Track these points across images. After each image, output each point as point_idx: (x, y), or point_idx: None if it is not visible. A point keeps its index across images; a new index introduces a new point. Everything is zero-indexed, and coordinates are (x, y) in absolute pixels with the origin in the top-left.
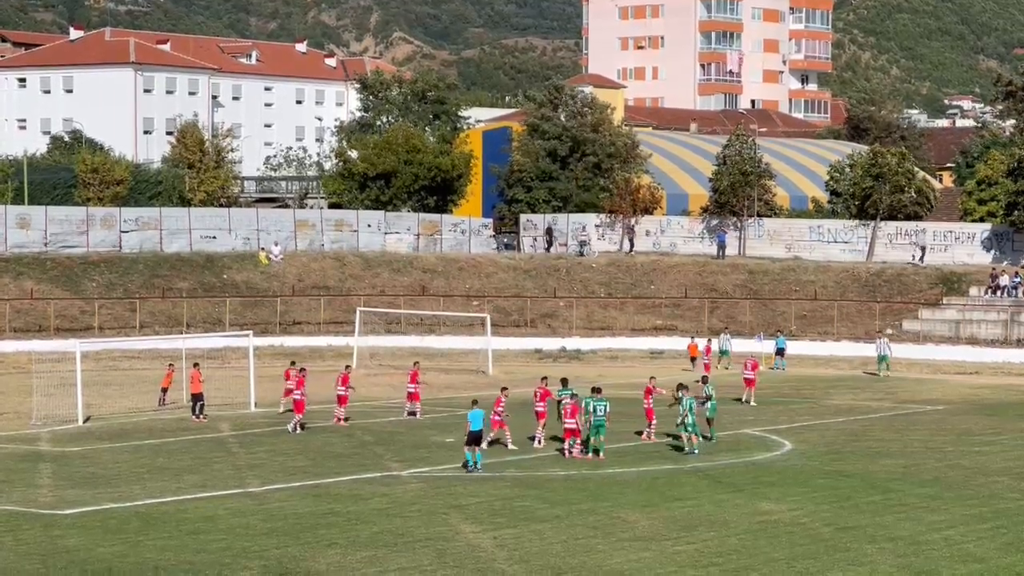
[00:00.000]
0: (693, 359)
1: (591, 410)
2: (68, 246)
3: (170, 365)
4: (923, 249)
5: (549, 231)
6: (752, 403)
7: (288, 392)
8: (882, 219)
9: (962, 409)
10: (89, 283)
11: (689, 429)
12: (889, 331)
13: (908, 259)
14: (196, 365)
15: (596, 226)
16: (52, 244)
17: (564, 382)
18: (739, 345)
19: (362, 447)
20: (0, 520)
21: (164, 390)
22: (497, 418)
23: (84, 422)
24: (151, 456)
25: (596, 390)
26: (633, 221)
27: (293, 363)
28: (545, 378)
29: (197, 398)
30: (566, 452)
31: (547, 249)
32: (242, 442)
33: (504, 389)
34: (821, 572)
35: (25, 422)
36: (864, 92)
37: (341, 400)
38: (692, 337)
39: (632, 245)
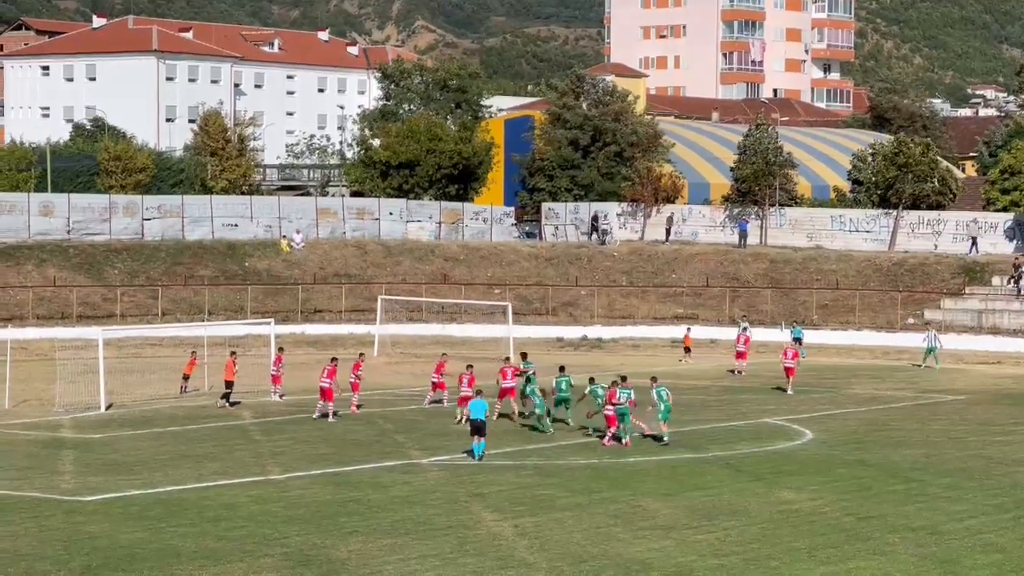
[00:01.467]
0: (687, 349)
1: (555, 387)
2: (91, 233)
3: (192, 352)
4: (974, 240)
5: (595, 219)
6: (789, 392)
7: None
8: (904, 208)
9: (984, 399)
10: (111, 270)
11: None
12: (911, 321)
13: (931, 248)
14: (233, 354)
15: (618, 215)
16: (75, 231)
17: (524, 356)
18: (763, 335)
19: (383, 435)
20: (23, 506)
21: (186, 377)
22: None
23: (106, 409)
24: (173, 443)
25: (623, 378)
26: (672, 212)
27: (281, 348)
28: (507, 358)
29: (230, 386)
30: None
31: (589, 236)
32: (264, 430)
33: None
34: (842, 561)
35: (48, 409)
36: (887, 81)
37: (325, 393)
38: (688, 329)
39: (669, 235)
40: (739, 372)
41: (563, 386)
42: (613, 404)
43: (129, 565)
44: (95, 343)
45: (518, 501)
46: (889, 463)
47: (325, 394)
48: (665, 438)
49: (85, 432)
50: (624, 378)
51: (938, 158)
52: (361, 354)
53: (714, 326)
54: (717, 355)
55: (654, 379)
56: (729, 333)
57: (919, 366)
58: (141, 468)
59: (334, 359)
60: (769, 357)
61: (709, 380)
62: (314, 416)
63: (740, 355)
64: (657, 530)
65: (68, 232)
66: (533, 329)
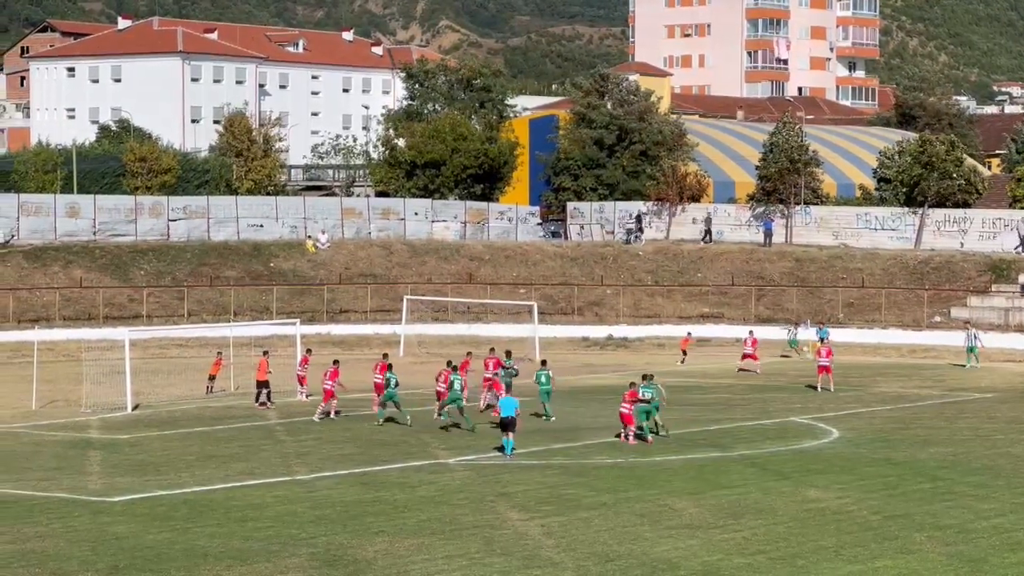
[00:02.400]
0: (684, 352)
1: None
2: (117, 234)
3: (218, 353)
4: (1023, 238)
5: (639, 219)
6: (830, 389)
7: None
8: (930, 206)
9: (1011, 397)
10: (137, 271)
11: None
12: (937, 319)
13: (957, 246)
14: (266, 353)
15: (643, 214)
16: (101, 232)
17: (508, 354)
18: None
19: (409, 435)
20: (51, 507)
21: (212, 378)
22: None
23: (133, 410)
24: (199, 444)
25: (647, 376)
26: (709, 211)
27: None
28: (492, 348)
29: (262, 385)
30: (623, 437)
31: (631, 237)
32: (289, 430)
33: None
34: (869, 560)
35: (75, 410)
36: (913, 79)
37: (326, 394)
38: (688, 333)
39: (710, 235)
40: (756, 371)
41: (543, 379)
42: (630, 402)
43: (156, 565)
44: (121, 344)
45: (544, 500)
46: (916, 461)
47: (326, 395)
48: (660, 432)
49: (112, 433)
50: (648, 376)
51: (963, 156)
52: (336, 361)
53: (739, 325)
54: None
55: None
56: (755, 332)
57: (962, 366)
58: (168, 469)
59: (335, 361)
60: (794, 356)
61: (735, 379)
62: (315, 418)
63: (750, 356)
64: (683, 529)
65: (94, 233)
66: (559, 329)
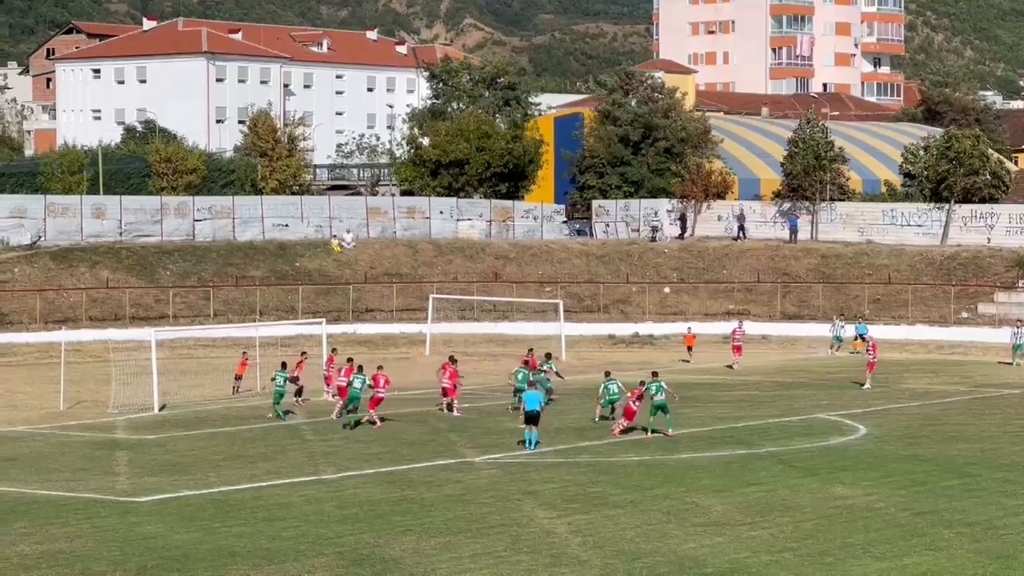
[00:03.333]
0: (689, 348)
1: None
2: (143, 235)
3: (244, 353)
4: None
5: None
6: (867, 386)
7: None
8: (956, 202)
9: None
10: (163, 272)
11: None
12: (964, 315)
13: (983, 241)
14: (304, 354)
15: (668, 211)
16: (127, 233)
17: (548, 356)
18: (816, 330)
19: (436, 434)
20: (79, 507)
21: (238, 378)
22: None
23: (160, 410)
24: (226, 444)
25: (654, 374)
26: (742, 208)
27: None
28: (531, 349)
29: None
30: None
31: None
32: (316, 429)
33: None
34: (898, 557)
35: (102, 410)
36: (938, 74)
37: (341, 391)
38: (689, 328)
39: (743, 232)
40: (732, 366)
41: (519, 377)
42: (638, 399)
43: (184, 565)
44: (148, 344)
45: (571, 498)
46: (944, 458)
47: (342, 392)
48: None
49: (139, 433)
50: (655, 373)
51: (990, 151)
52: (349, 359)
53: (765, 322)
54: (768, 351)
55: (655, 373)
56: (780, 329)
57: (1009, 364)
58: (195, 469)
59: (350, 359)
60: (820, 353)
61: (760, 376)
62: (334, 416)
63: (868, 365)
64: (710, 526)
65: (120, 234)
66: (585, 327)
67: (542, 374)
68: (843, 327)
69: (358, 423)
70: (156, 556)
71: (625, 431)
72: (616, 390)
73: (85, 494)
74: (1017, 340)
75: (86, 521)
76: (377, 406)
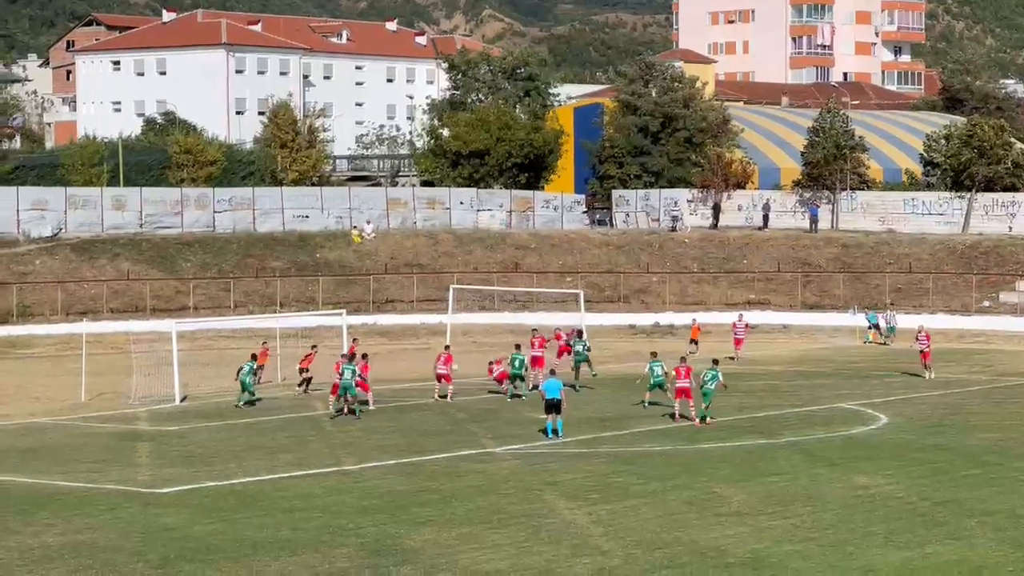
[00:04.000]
0: (694, 341)
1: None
2: (163, 227)
3: (264, 343)
4: None
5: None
6: (931, 376)
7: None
8: (978, 191)
9: None
10: (184, 263)
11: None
12: (986, 304)
13: (1005, 230)
14: (314, 347)
15: (688, 201)
16: (147, 225)
17: (580, 334)
18: (835, 320)
19: (456, 424)
20: (100, 498)
21: (260, 368)
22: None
23: (181, 401)
24: (246, 435)
25: (715, 361)
26: (768, 198)
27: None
28: (535, 330)
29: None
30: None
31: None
32: (336, 421)
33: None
34: (919, 546)
35: (124, 402)
36: (959, 63)
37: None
38: (694, 320)
39: (767, 222)
40: (734, 358)
41: (516, 364)
42: (688, 377)
43: (205, 556)
44: (169, 336)
45: (592, 489)
46: (965, 447)
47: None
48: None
49: (160, 424)
50: (716, 361)
51: (1012, 140)
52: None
53: (786, 311)
54: (789, 341)
55: (715, 361)
56: (801, 318)
57: None
58: (216, 460)
59: (364, 355)
60: (841, 342)
61: (783, 365)
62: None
63: (924, 355)
64: (732, 516)
65: (140, 226)
66: (605, 316)
67: (581, 347)
68: (894, 316)
69: (340, 411)
70: (178, 547)
71: (683, 416)
72: (660, 372)
73: (107, 485)
74: None
75: (108, 512)
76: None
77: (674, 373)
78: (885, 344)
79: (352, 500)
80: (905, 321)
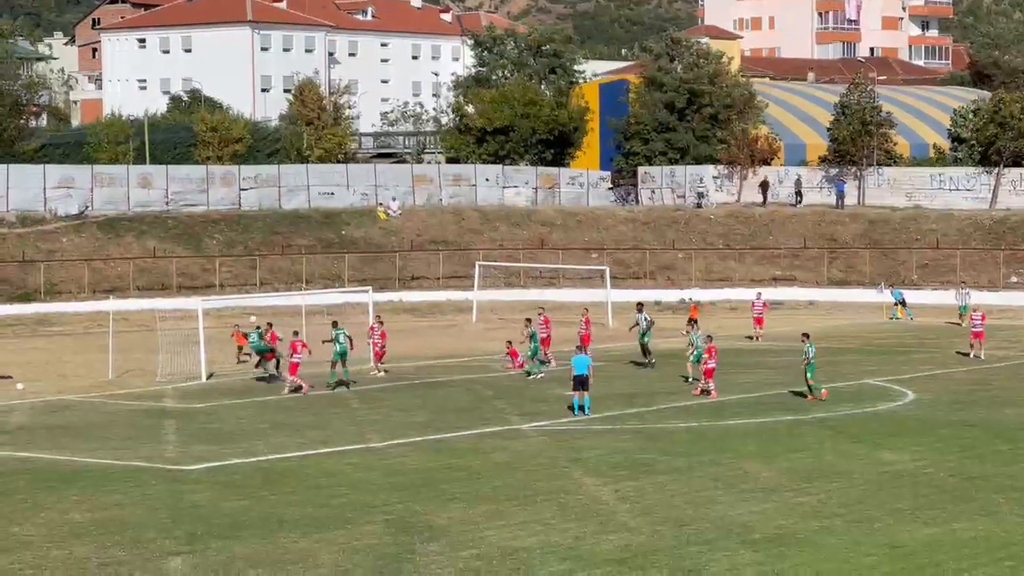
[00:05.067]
0: (693, 320)
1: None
2: (189, 204)
3: (235, 326)
4: None
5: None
6: (981, 356)
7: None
8: (1006, 166)
9: None
10: (210, 241)
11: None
12: (1014, 279)
13: None
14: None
15: (714, 177)
16: (173, 203)
17: (639, 307)
18: (861, 296)
19: (482, 401)
20: (128, 475)
21: (240, 349)
22: None
23: (207, 379)
24: (273, 412)
25: (806, 335)
26: (798, 176)
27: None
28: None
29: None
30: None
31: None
32: (362, 398)
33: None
34: (946, 522)
35: (150, 379)
36: (988, 37)
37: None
38: (690, 299)
39: (800, 197)
40: (756, 338)
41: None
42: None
43: (233, 533)
44: (195, 313)
45: (618, 465)
46: (993, 423)
47: (292, 369)
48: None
49: (187, 402)
50: (807, 334)
51: None
52: (296, 332)
53: (812, 288)
54: (815, 317)
55: (806, 335)
56: (827, 295)
57: None
58: (242, 437)
59: (295, 332)
60: (868, 318)
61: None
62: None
63: (977, 335)
64: (758, 492)
65: (166, 203)
66: (631, 293)
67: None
68: (968, 294)
69: (341, 383)
70: (205, 524)
71: (704, 392)
72: (701, 344)
73: (134, 462)
74: None
75: (136, 489)
76: (296, 371)
77: (706, 354)
78: (912, 320)
79: (378, 477)
80: (933, 298)
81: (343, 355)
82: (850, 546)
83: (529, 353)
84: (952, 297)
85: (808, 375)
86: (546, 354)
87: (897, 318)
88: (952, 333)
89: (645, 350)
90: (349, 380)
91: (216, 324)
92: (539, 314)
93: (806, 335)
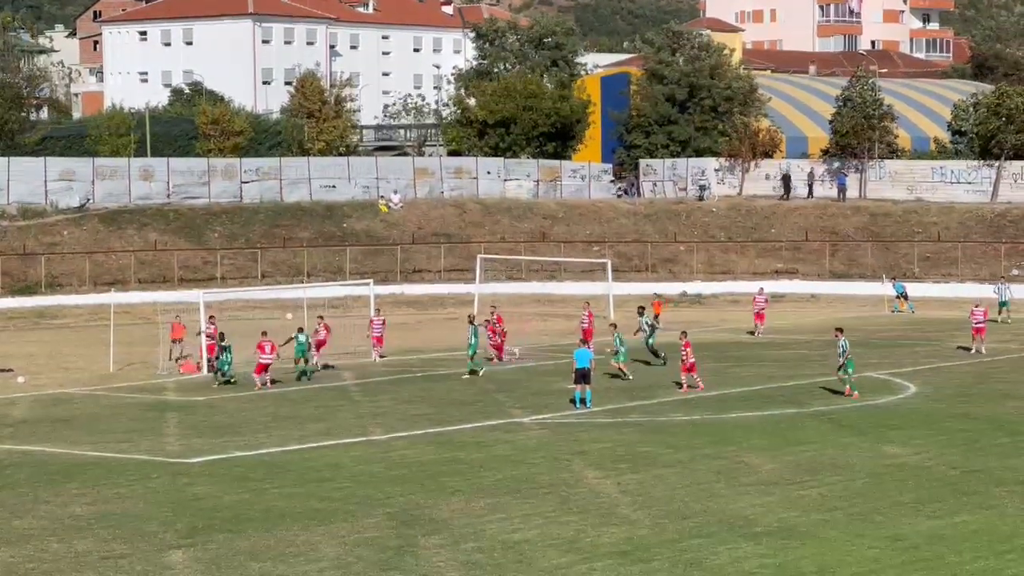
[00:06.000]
0: (656, 316)
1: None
2: (190, 197)
3: (177, 316)
4: None
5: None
6: (982, 351)
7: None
8: (1007, 159)
9: None
10: (211, 234)
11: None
12: (1015, 272)
13: None
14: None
15: (715, 170)
16: (175, 195)
17: (640, 311)
18: (865, 288)
19: (484, 394)
20: (130, 468)
21: (175, 342)
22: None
23: (209, 371)
24: (275, 405)
25: (839, 330)
26: (810, 168)
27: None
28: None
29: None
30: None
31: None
32: (365, 391)
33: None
34: (948, 515)
35: (152, 372)
36: (989, 30)
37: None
38: (656, 294)
39: (811, 190)
40: (756, 334)
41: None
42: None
43: (235, 526)
44: (196, 306)
45: (620, 458)
46: (995, 416)
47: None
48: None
49: (189, 395)
50: (840, 329)
51: None
52: (264, 332)
53: (814, 280)
54: (818, 310)
55: (839, 330)
56: (829, 287)
57: None
58: (244, 430)
59: (264, 332)
60: (869, 311)
61: (811, 334)
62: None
63: (979, 330)
64: (760, 486)
65: (168, 196)
66: (633, 286)
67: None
68: (1008, 289)
69: (304, 373)
70: (207, 517)
71: (691, 387)
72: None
73: (136, 455)
74: None
75: (138, 482)
76: (264, 371)
77: (685, 348)
78: (913, 313)
79: (380, 470)
80: (935, 290)
81: (303, 351)
82: (852, 539)
83: (470, 352)
84: (991, 291)
85: (848, 370)
86: (500, 353)
87: (899, 311)
88: (953, 326)
89: (655, 352)
90: (310, 372)
91: (218, 317)
92: (492, 312)
93: (839, 329)
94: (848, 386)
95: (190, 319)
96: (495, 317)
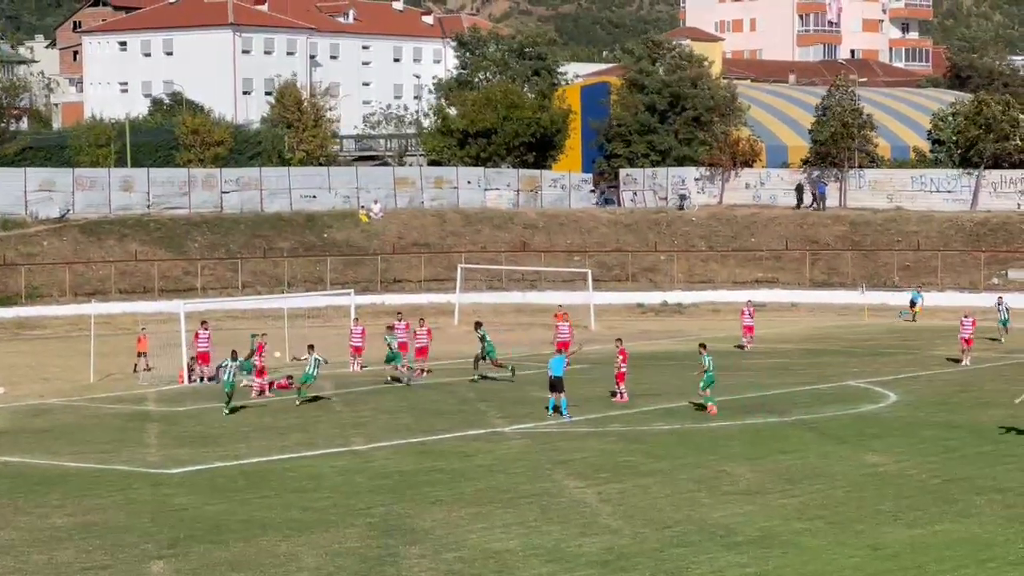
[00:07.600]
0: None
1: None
2: (170, 207)
3: (142, 328)
4: None
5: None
6: (967, 363)
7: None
8: (986, 167)
9: None
10: (191, 244)
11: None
12: (994, 281)
13: (1014, 207)
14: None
15: (696, 179)
16: (155, 206)
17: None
18: (845, 298)
19: (465, 404)
20: (111, 479)
21: (140, 355)
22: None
23: (189, 382)
24: (256, 415)
25: (703, 346)
26: (814, 176)
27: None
28: (399, 314)
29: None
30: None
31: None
32: (346, 401)
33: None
34: (929, 523)
35: (132, 382)
36: (966, 39)
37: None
38: (560, 305)
39: (814, 199)
40: (745, 347)
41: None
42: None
43: (216, 536)
44: (177, 316)
45: (601, 468)
46: (976, 424)
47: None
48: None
49: (169, 405)
50: (704, 345)
51: (1019, 116)
52: (262, 334)
53: (794, 289)
54: (798, 319)
55: (703, 346)
56: (809, 296)
57: None
58: (225, 440)
59: (263, 334)
60: (850, 320)
61: (792, 344)
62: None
63: (967, 341)
64: (741, 495)
65: (148, 206)
66: (613, 295)
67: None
68: (1007, 309)
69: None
70: (188, 527)
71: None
72: (712, 367)
73: (117, 466)
74: None
75: (118, 493)
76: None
77: (620, 356)
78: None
79: (362, 480)
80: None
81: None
82: (833, 547)
83: (385, 359)
84: (994, 305)
85: (710, 386)
86: (405, 364)
87: (906, 316)
88: (935, 335)
89: (499, 365)
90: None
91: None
92: (398, 318)
93: (703, 345)
94: (710, 403)
95: (172, 330)
96: (403, 325)
